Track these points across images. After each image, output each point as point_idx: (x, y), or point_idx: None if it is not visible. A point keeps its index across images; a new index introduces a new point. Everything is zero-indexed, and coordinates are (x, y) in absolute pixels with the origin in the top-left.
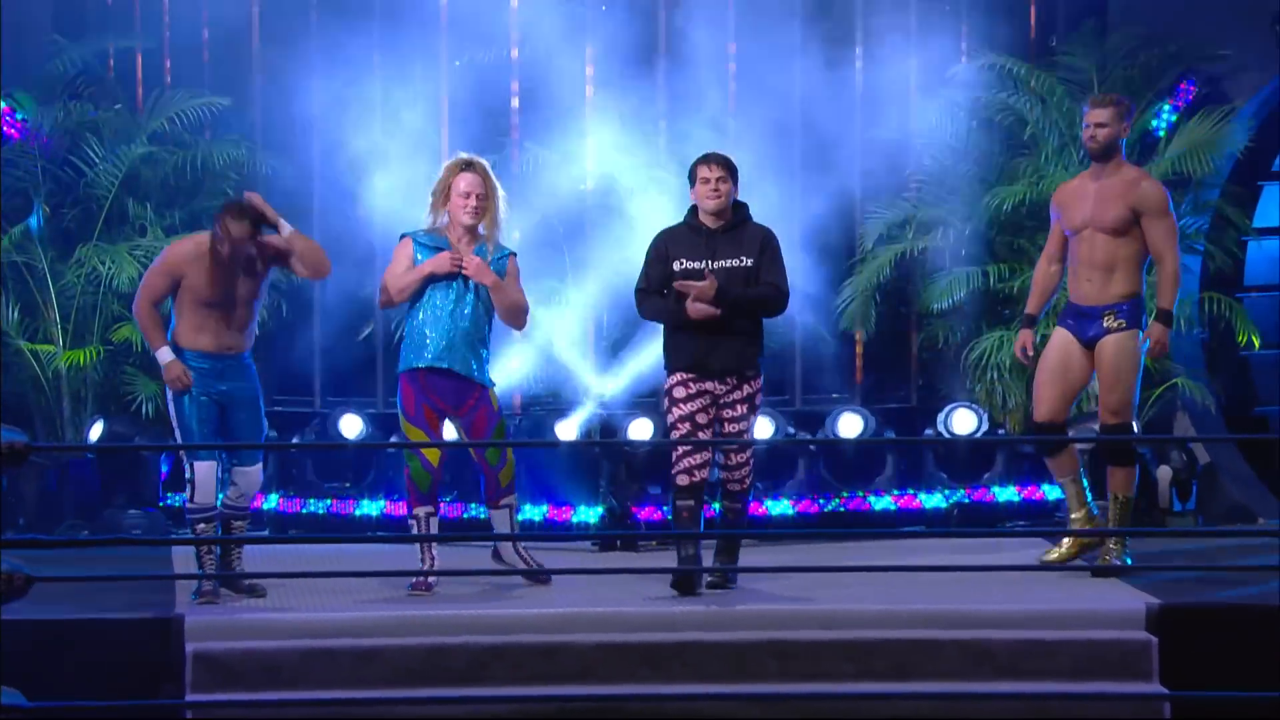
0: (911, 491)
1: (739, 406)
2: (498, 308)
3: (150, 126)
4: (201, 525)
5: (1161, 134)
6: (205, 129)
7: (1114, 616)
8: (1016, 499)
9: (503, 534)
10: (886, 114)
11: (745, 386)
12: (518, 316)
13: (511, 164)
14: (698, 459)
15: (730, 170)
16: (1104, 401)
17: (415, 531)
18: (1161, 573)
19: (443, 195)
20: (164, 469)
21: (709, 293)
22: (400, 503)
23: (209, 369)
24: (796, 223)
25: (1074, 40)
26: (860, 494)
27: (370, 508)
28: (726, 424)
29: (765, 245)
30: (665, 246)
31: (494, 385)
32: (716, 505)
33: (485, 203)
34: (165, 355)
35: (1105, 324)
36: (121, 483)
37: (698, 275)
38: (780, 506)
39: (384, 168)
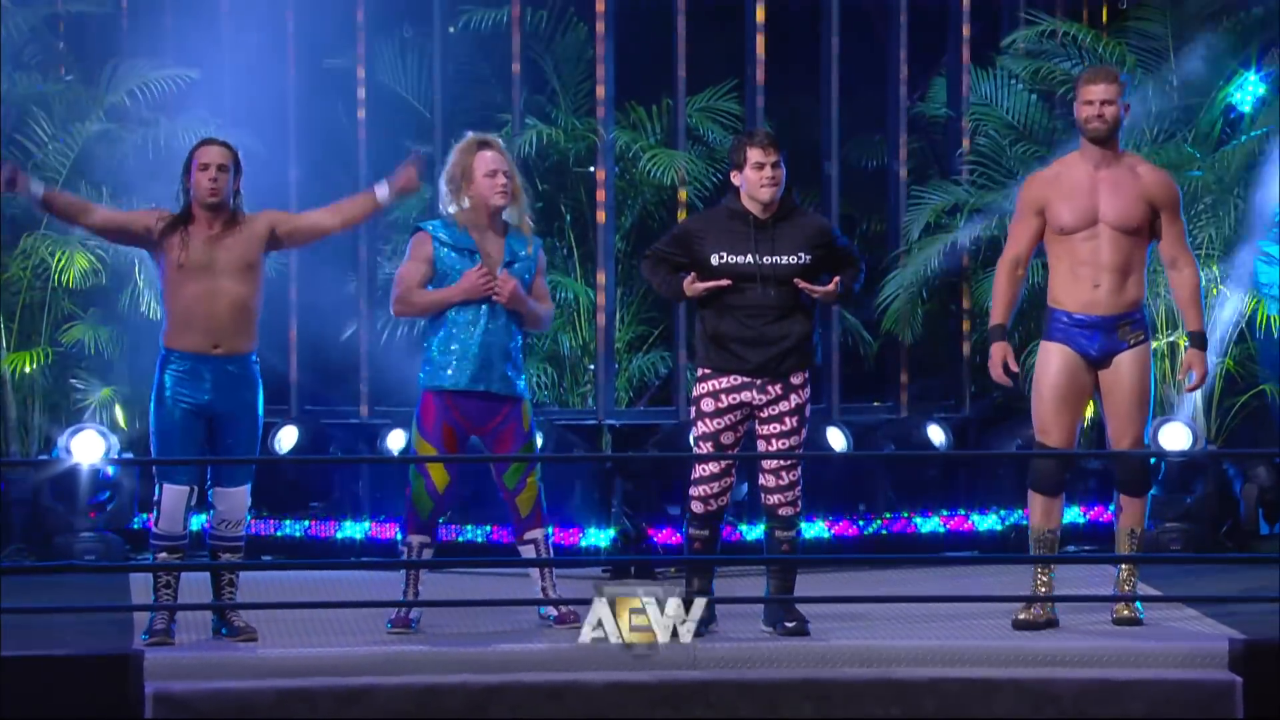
0: (963, 512)
1: (787, 420)
2: (524, 322)
3: (107, 101)
4: (164, 554)
5: (1246, 109)
6: (169, 104)
7: (1193, 654)
8: (1081, 521)
9: (503, 559)
10: (934, 87)
11: (793, 396)
12: (542, 324)
13: (513, 143)
14: (715, 486)
15: (781, 152)
16: (1124, 428)
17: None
18: (1247, 604)
19: (462, 179)
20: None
21: (834, 296)
22: (387, 524)
23: (195, 373)
24: (831, 209)
25: (1147, 3)
26: (905, 515)
27: (354, 530)
28: (774, 439)
29: (828, 239)
30: (700, 234)
31: (529, 398)
32: (761, 528)
33: (512, 182)
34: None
35: (1121, 337)
36: (73, 502)
37: (744, 271)
38: (814, 529)
39: (369, 147)
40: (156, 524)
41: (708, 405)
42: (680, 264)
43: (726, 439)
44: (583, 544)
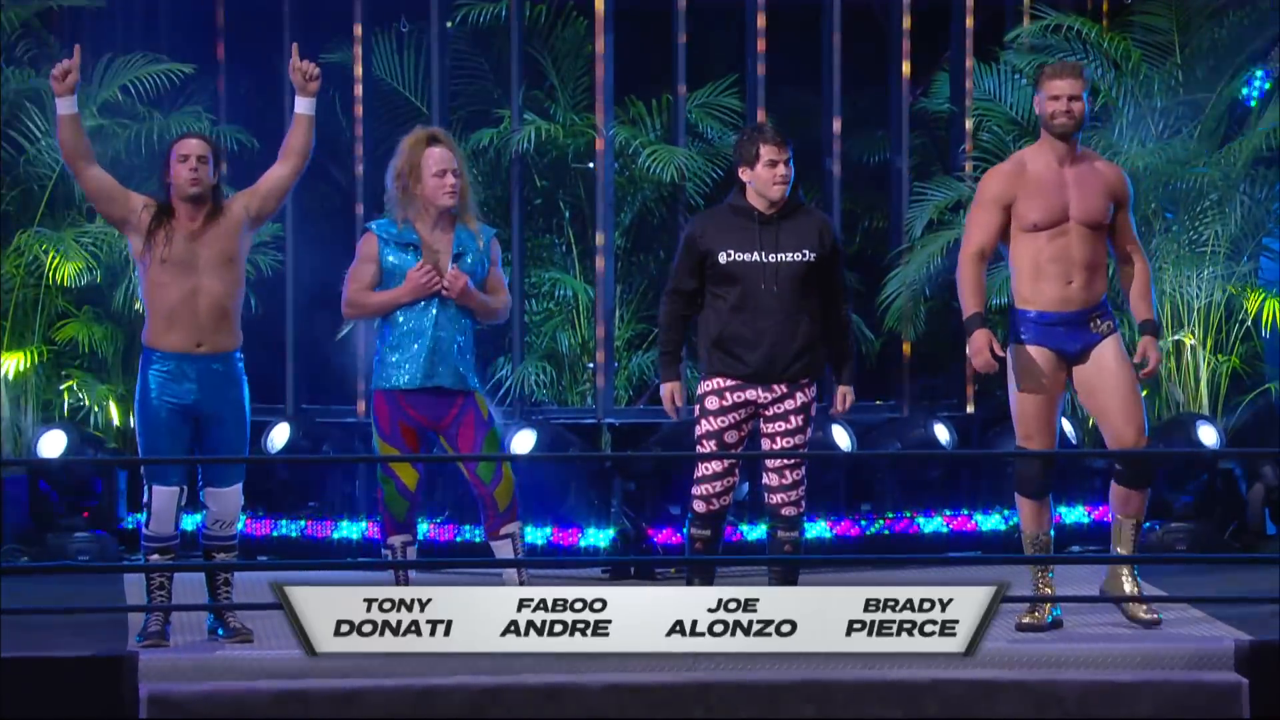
0: (966, 512)
1: (792, 418)
2: (478, 315)
3: (100, 96)
4: (156, 556)
5: (1254, 104)
6: (163, 100)
7: (1198, 655)
8: (1085, 520)
9: (495, 560)
10: (937, 82)
11: (798, 395)
12: (498, 316)
13: (511, 139)
14: (719, 485)
15: (792, 150)
16: (1127, 418)
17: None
18: (1253, 605)
19: (410, 176)
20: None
21: (845, 407)
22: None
23: (180, 372)
24: (833, 206)
25: None
26: (908, 515)
27: (351, 530)
28: (778, 438)
29: (831, 240)
30: (705, 235)
31: (481, 389)
32: (763, 528)
33: (461, 180)
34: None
35: (1094, 329)
36: (68, 502)
37: (751, 268)
38: (816, 529)
39: (365, 143)
40: (147, 525)
41: (711, 403)
42: (698, 291)
43: (730, 437)
44: (582, 544)
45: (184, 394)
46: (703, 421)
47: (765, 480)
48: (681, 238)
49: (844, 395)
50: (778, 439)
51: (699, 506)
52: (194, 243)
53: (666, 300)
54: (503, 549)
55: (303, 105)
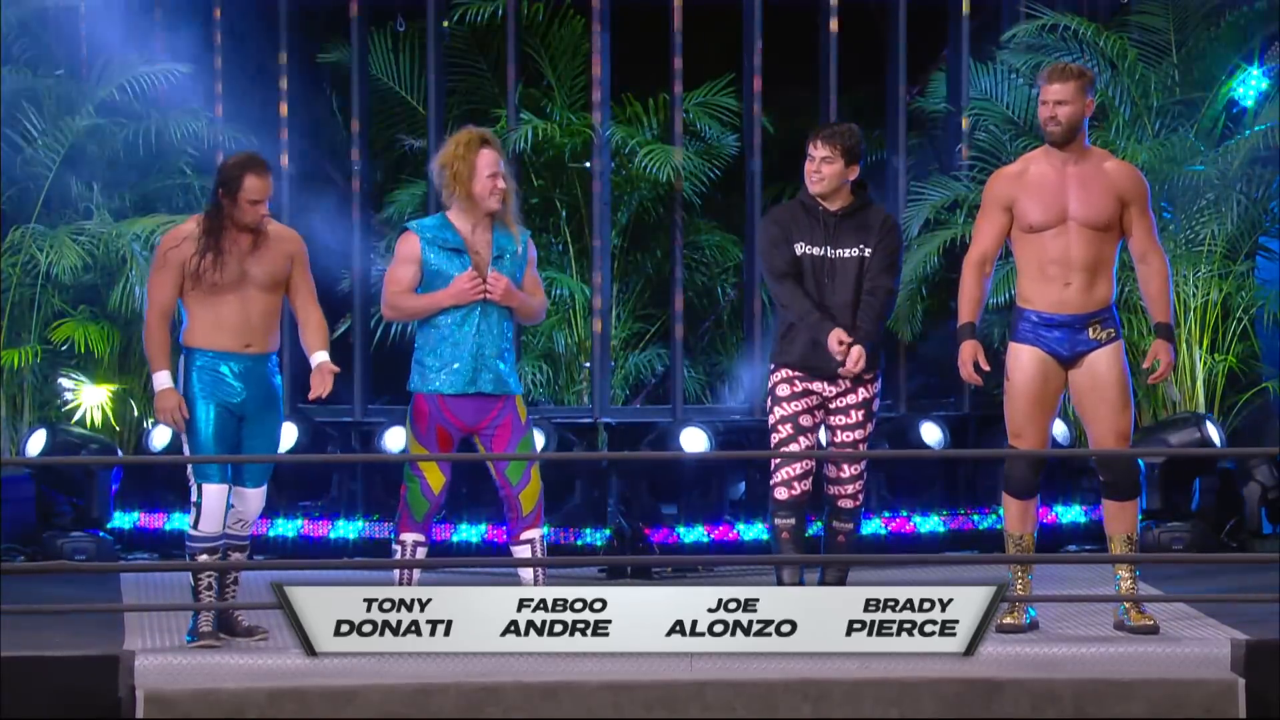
0: (962, 512)
1: (854, 413)
2: (518, 315)
3: (97, 95)
4: (204, 557)
5: (1250, 104)
6: (160, 99)
7: (1195, 655)
8: (1082, 520)
9: (494, 559)
10: (934, 81)
11: (861, 390)
12: (537, 316)
13: (508, 138)
14: (799, 468)
15: (844, 149)
16: (1110, 427)
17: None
18: (1249, 605)
19: (467, 176)
20: (113, 485)
21: (856, 366)
22: (381, 524)
23: (230, 372)
24: None
25: None
26: (904, 514)
27: (348, 530)
28: (839, 432)
29: (883, 234)
30: (785, 226)
31: (522, 392)
32: (760, 527)
33: (507, 183)
34: (162, 381)
35: (1092, 335)
36: (64, 501)
37: (819, 262)
38: (812, 528)
39: (363, 143)
40: (195, 525)
41: (783, 390)
42: (790, 257)
43: (806, 421)
44: (578, 544)
45: (231, 393)
46: (775, 409)
47: (825, 471)
48: (766, 226)
49: (857, 354)
50: (839, 432)
51: (781, 494)
52: (243, 262)
53: (778, 285)
54: (523, 555)
55: (315, 359)
